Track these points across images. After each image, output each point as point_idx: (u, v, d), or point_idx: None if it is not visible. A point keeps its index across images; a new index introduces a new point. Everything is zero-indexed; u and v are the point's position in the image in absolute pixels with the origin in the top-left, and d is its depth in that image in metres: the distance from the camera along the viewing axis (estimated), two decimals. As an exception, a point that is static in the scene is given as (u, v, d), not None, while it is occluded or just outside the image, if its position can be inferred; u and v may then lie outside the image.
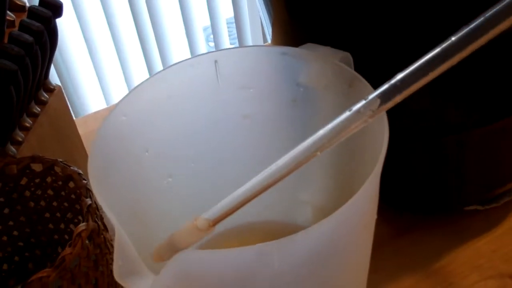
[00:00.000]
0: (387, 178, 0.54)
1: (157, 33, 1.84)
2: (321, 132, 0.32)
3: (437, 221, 0.60)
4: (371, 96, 0.32)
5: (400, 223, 0.61)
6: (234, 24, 1.92)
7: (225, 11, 1.91)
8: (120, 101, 0.40)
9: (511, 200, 0.60)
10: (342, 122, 0.32)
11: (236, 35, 1.95)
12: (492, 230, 0.59)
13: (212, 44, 2.08)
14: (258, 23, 1.90)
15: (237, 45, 2.07)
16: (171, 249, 0.33)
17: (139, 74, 1.91)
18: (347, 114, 0.32)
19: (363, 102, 0.32)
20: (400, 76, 0.31)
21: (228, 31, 2.00)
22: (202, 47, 1.94)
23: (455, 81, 0.46)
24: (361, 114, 0.32)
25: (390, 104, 0.32)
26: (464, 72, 0.45)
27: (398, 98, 0.31)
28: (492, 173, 0.55)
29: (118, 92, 1.90)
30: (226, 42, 1.97)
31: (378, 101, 0.31)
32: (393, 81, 0.31)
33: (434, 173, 0.54)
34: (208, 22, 1.92)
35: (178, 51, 1.91)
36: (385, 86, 0.32)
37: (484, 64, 0.45)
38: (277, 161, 0.32)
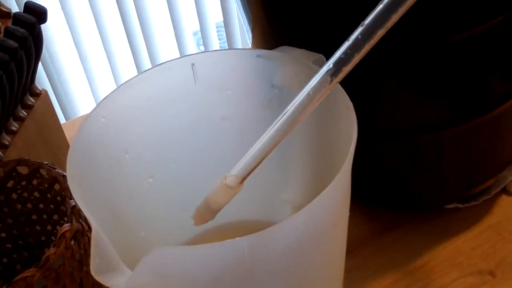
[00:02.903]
0: (367, 177, 0.55)
1: (147, 37, 1.85)
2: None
3: (418, 219, 0.61)
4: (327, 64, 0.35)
5: (381, 222, 0.62)
6: (224, 28, 1.93)
7: (214, 15, 1.91)
8: (99, 103, 0.41)
9: (490, 198, 0.60)
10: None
11: (225, 39, 1.95)
12: (472, 228, 0.60)
13: (202, 48, 2.09)
14: (248, 27, 1.91)
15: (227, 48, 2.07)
16: (209, 210, 0.35)
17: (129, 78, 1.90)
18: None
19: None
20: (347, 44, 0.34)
21: (218, 35, 2.01)
22: (192, 51, 1.94)
23: (432, 80, 0.47)
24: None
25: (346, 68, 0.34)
26: (442, 70, 0.46)
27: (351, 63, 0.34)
28: (471, 171, 0.55)
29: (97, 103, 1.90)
30: (216, 46, 1.97)
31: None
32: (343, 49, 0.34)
33: (414, 171, 0.54)
34: (197, 27, 1.93)
35: (168, 55, 1.91)
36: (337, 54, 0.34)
37: (460, 63, 0.46)
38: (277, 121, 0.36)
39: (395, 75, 0.47)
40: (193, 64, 0.44)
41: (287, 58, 0.42)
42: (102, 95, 1.91)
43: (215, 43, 1.96)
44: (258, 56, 0.43)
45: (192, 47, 1.94)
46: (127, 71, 1.91)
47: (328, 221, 0.34)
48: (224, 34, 1.94)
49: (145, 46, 1.87)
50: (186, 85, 0.45)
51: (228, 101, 0.46)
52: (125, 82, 0.42)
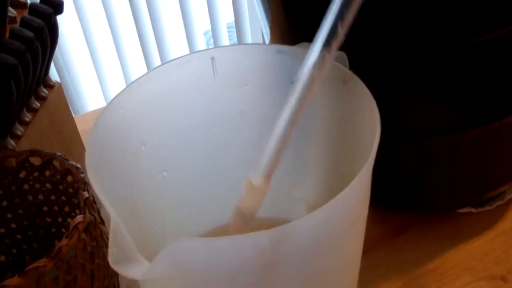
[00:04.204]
0: (382, 179, 0.55)
1: (157, 36, 1.85)
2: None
3: (431, 222, 0.61)
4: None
5: (394, 224, 0.61)
6: (235, 28, 1.93)
7: (226, 16, 1.91)
8: (118, 93, 0.40)
9: (504, 204, 0.60)
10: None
11: (236, 39, 1.95)
12: (485, 233, 0.60)
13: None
14: (258, 28, 1.91)
15: (237, 49, 2.07)
16: (244, 219, 0.35)
17: (139, 76, 1.91)
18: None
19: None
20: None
21: (229, 35, 2.01)
22: (202, 50, 1.94)
23: (453, 81, 0.46)
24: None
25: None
26: (463, 72, 0.46)
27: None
28: (486, 175, 0.55)
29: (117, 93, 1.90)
30: (227, 46, 1.97)
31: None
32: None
33: (428, 174, 0.54)
34: (208, 26, 1.93)
35: (178, 54, 1.91)
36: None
37: (482, 65, 0.46)
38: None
39: (415, 76, 0.47)
40: (213, 58, 0.43)
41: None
42: (111, 92, 1.91)
43: (226, 44, 1.96)
44: (278, 52, 0.43)
45: (202, 46, 1.94)
46: (137, 68, 1.91)
47: (349, 218, 0.34)
48: (235, 35, 1.94)
49: (156, 45, 1.87)
50: (205, 79, 0.44)
51: (247, 97, 0.46)
52: (144, 74, 0.42)
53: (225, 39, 1.96)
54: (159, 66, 0.42)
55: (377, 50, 0.46)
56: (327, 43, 0.35)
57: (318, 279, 0.36)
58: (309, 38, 0.44)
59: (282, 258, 0.32)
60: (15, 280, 0.40)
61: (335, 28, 0.34)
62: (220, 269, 0.32)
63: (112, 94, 1.90)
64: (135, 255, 0.31)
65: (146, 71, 1.89)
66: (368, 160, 0.33)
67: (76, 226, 0.43)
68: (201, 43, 1.93)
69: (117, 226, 0.31)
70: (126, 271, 0.30)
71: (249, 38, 1.93)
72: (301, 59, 0.43)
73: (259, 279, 0.33)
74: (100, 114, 0.39)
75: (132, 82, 0.41)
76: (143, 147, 0.43)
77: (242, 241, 0.30)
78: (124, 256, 0.30)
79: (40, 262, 0.41)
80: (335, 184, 0.46)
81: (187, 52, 1.88)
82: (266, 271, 0.32)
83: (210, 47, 2.27)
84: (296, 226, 0.30)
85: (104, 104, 1.90)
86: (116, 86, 1.91)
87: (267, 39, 0.58)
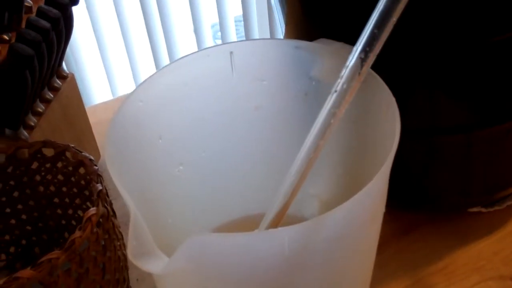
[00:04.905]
0: (393, 177, 0.55)
1: (165, 29, 1.85)
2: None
3: (440, 222, 0.61)
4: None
5: (403, 223, 0.61)
6: (242, 22, 1.93)
7: (234, 9, 1.91)
8: (138, 86, 0.40)
9: (514, 204, 0.60)
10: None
11: (243, 33, 1.95)
12: (494, 233, 0.60)
13: (219, 42, 2.08)
14: (266, 22, 1.91)
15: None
16: None
17: (147, 68, 1.91)
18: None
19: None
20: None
21: (236, 29, 2.00)
22: (210, 44, 1.94)
23: (468, 80, 0.46)
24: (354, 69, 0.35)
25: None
26: (478, 71, 0.45)
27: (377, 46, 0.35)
28: (496, 175, 0.55)
29: (125, 86, 1.90)
30: (233, 40, 1.97)
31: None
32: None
33: (439, 173, 0.54)
34: (216, 20, 1.92)
35: (186, 47, 1.91)
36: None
37: (498, 64, 0.46)
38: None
39: (430, 75, 0.47)
40: (231, 53, 0.43)
41: (326, 50, 0.42)
42: (119, 85, 1.91)
43: (233, 37, 1.96)
44: (296, 47, 0.43)
45: (209, 40, 1.93)
46: (144, 61, 1.91)
47: (368, 216, 0.34)
48: (242, 28, 1.94)
49: (164, 38, 1.87)
50: (223, 73, 0.44)
51: (264, 92, 0.46)
52: (163, 67, 0.42)
53: (232, 33, 1.95)
54: (178, 60, 0.42)
55: (392, 48, 0.46)
56: (365, 56, 0.35)
57: (336, 275, 0.36)
58: (325, 34, 0.44)
59: (300, 256, 0.32)
60: (27, 272, 0.40)
61: (373, 40, 0.34)
62: (237, 265, 0.32)
63: (119, 86, 1.91)
64: (154, 249, 0.31)
65: (153, 64, 1.89)
66: (388, 158, 0.33)
67: (89, 219, 0.43)
68: (208, 36, 1.92)
69: (137, 220, 0.31)
70: (146, 265, 0.30)
71: (256, 32, 1.93)
72: (319, 54, 0.43)
73: (277, 275, 0.33)
74: (119, 106, 0.39)
75: (152, 75, 0.41)
76: (160, 141, 0.43)
77: (261, 237, 0.30)
78: (143, 250, 0.30)
79: (53, 254, 0.41)
80: (349, 181, 0.46)
81: (195, 45, 1.88)
82: (284, 267, 0.32)
83: (217, 40, 2.28)
84: (315, 223, 0.30)
85: (111, 97, 1.90)
86: (123, 78, 1.91)
87: (282, 34, 0.58)
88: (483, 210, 0.59)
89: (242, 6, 1.88)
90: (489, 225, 0.60)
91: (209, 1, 1.85)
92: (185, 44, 1.91)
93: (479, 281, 0.55)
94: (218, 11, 1.88)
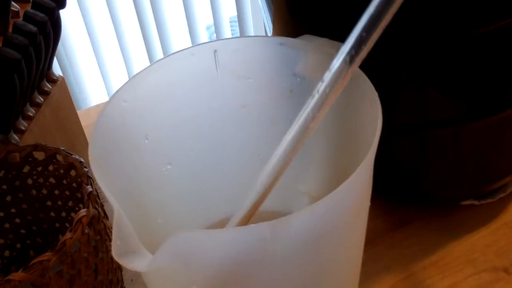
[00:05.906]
0: (385, 171, 0.55)
1: (160, 30, 1.85)
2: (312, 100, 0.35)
3: (433, 215, 0.61)
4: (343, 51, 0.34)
5: (396, 217, 0.61)
6: (237, 23, 1.93)
7: (229, 10, 1.91)
8: (121, 87, 0.40)
9: (506, 196, 0.60)
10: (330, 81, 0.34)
11: (239, 34, 1.95)
12: (487, 225, 0.60)
13: (215, 42, 2.07)
14: (261, 22, 1.91)
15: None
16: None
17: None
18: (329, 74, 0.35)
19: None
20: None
21: (231, 30, 2.00)
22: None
23: (455, 73, 0.46)
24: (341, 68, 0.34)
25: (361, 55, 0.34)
26: (465, 63, 0.46)
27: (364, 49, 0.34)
28: (488, 167, 0.55)
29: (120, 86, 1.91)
30: (229, 40, 1.97)
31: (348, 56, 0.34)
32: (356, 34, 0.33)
33: (431, 166, 0.54)
34: (211, 21, 1.92)
35: (181, 48, 1.91)
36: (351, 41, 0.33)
37: (484, 56, 0.46)
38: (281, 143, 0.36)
39: (417, 68, 0.47)
40: (215, 51, 0.43)
41: (310, 46, 0.42)
42: (114, 87, 1.91)
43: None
44: (281, 44, 0.43)
45: (205, 41, 1.93)
46: (139, 62, 1.91)
47: (351, 210, 0.34)
48: (238, 29, 1.94)
49: (159, 39, 1.87)
50: (208, 72, 0.44)
51: (249, 89, 0.46)
52: (147, 67, 0.42)
53: (227, 34, 1.95)
54: (162, 59, 0.42)
55: (379, 41, 0.46)
56: (351, 59, 0.34)
57: (320, 270, 0.36)
58: (311, 31, 0.44)
59: (284, 250, 0.32)
60: (19, 275, 0.40)
61: (361, 44, 0.33)
62: (222, 260, 0.32)
63: (115, 89, 1.90)
64: (138, 247, 0.31)
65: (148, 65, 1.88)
66: (369, 152, 0.33)
67: (79, 220, 0.43)
68: (203, 37, 1.93)
69: (120, 219, 0.31)
70: (129, 263, 0.30)
71: (251, 32, 1.93)
72: (303, 50, 0.43)
73: (261, 270, 0.33)
74: (103, 107, 0.39)
75: (135, 75, 0.41)
76: (146, 141, 0.44)
77: (244, 232, 0.31)
78: (128, 248, 0.30)
79: (44, 256, 0.41)
80: (338, 177, 0.46)
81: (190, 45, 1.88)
82: (268, 262, 0.32)
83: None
84: (297, 217, 0.30)
85: (107, 99, 1.90)
86: (118, 80, 1.91)
87: (270, 33, 0.58)
88: (476, 202, 0.59)
89: (237, 6, 1.88)
90: (482, 217, 0.61)
91: (204, 2, 1.85)
92: (180, 46, 1.91)
93: (472, 273, 0.56)
94: (213, 12, 1.88)
